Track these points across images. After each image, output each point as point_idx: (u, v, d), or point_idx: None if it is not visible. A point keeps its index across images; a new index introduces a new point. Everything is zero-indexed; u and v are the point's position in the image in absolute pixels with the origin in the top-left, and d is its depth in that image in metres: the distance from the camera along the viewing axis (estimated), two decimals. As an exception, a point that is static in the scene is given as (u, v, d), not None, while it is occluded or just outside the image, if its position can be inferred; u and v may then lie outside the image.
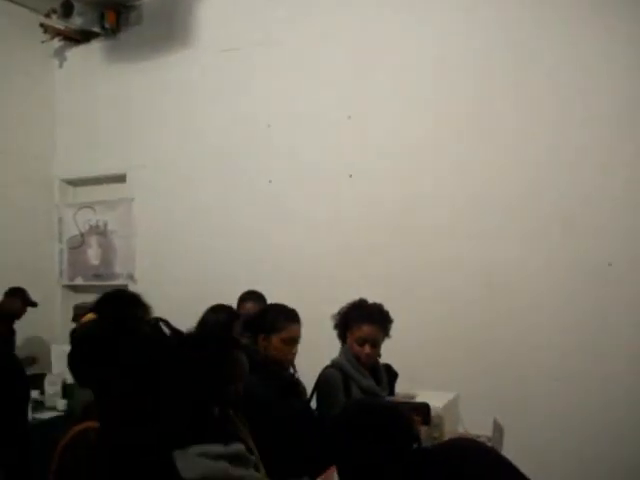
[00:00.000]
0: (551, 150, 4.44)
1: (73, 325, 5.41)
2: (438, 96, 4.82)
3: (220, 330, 3.12)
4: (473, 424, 3.11)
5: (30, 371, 5.07)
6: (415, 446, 1.87)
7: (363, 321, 3.15)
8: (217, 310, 3.40)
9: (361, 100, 5.11)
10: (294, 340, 2.97)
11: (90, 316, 4.89)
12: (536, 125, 4.49)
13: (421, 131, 4.86)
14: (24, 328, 5.58)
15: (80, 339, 2.37)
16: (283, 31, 5.50)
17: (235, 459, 2.02)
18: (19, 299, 5.54)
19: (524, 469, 1.85)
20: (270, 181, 5.48)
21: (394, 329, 3.23)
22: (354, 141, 5.11)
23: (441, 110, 4.80)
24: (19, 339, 5.68)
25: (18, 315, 5.55)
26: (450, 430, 3.00)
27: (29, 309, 5.63)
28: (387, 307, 3.26)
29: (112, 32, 6.43)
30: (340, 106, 5.19)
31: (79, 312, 5.41)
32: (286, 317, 2.99)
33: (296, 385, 3.11)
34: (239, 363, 2.31)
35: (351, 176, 5.09)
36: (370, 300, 3.29)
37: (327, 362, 3.26)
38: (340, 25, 5.23)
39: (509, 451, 2.28)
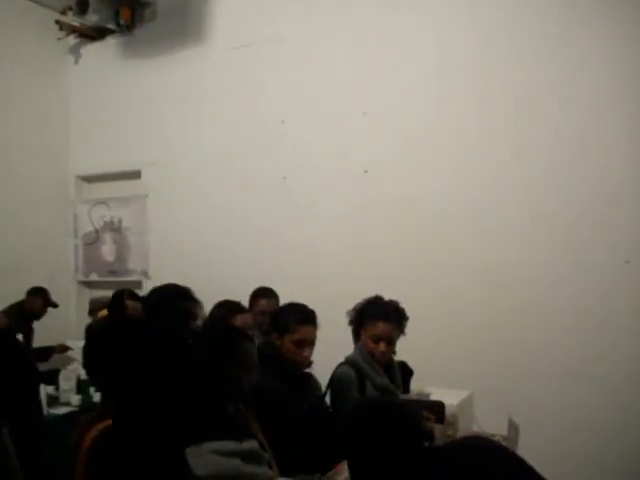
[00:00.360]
0: (560, 147, 4.43)
1: (88, 320, 5.45)
2: (455, 91, 4.80)
3: (224, 324, 3.09)
4: (488, 423, 3.09)
5: (60, 361, 5.14)
6: (427, 444, 1.86)
7: (378, 318, 3.12)
8: (222, 306, 3.40)
9: (377, 96, 5.10)
10: (305, 342, 2.90)
11: (105, 312, 4.94)
12: (545, 123, 4.48)
13: (438, 127, 4.85)
14: (39, 324, 5.59)
15: (95, 334, 2.37)
16: (296, 27, 5.50)
17: (248, 456, 2.02)
18: (41, 299, 5.55)
19: (539, 468, 1.83)
20: (284, 178, 5.47)
21: (409, 326, 3.21)
22: (370, 137, 5.09)
23: (458, 106, 4.78)
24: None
25: (38, 315, 5.56)
26: (464, 428, 2.99)
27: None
28: (402, 304, 3.24)
29: (127, 29, 6.46)
30: (355, 102, 5.17)
31: (95, 307, 5.44)
32: (299, 319, 2.93)
33: (308, 381, 3.09)
34: (247, 354, 2.31)
35: (366, 172, 5.08)
36: (384, 297, 3.28)
37: (341, 359, 3.25)
38: (354, 20, 5.22)
39: (524, 450, 2.27)
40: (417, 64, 4.96)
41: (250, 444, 2.06)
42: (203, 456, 1.92)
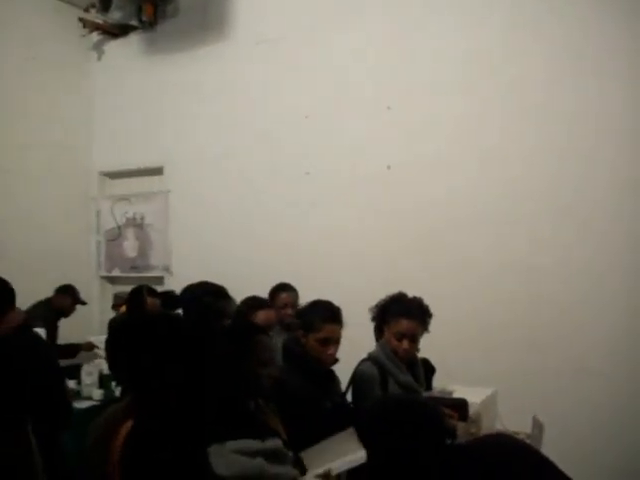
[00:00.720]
0: (578, 143, 4.42)
1: (112, 315, 5.49)
2: (479, 86, 4.77)
3: (241, 320, 3.08)
4: (512, 421, 3.06)
5: (86, 359, 5.17)
6: (450, 442, 1.85)
7: (402, 315, 3.09)
8: (245, 302, 3.40)
9: (401, 90, 5.08)
10: (330, 340, 2.86)
11: (124, 308, 4.97)
12: (582, 116, 4.44)
13: (462, 121, 4.82)
14: (62, 319, 5.64)
15: (114, 329, 2.37)
16: (319, 21, 5.49)
17: (272, 456, 1.99)
18: (69, 297, 5.60)
19: (564, 467, 1.81)
20: (307, 173, 5.46)
21: (433, 323, 3.19)
22: (393, 132, 5.07)
23: (484, 99, 4.75)
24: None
25: (67, 313, 5.61)
26: (488, 426, 2.96)
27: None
28: (426, 301, 3.22)
29: (149, 25, 6.48)
30: (379, 96, 5.15)
31: (117, 302, 5.47)
32: (323, 317, 2.89)
33: (332, 378, 3.08)
34: (263, 348, 2.30)
35: (389, 167, 5.05)
36: (408, 294, 3.26)
37: (363, 355, 3.23)
38: (378, 13, 5.20)
39: (549, 449, 2.24)
40: (442, 59, 4.93)
41: (274, 443, 2.04)
42: (225, 455, 1.90)
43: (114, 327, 3.98)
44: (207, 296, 2.99)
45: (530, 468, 1.76)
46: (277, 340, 3.04)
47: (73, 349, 5.40)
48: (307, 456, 2.24)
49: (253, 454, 1.94)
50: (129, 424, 1.89)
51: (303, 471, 2.16)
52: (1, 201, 5.93)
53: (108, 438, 1.89)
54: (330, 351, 2.86)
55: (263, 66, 5.76)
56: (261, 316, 3.23)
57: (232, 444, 1.93)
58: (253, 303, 3.37)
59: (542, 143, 4.53)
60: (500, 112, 4.68)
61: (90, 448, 1.97)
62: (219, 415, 2.02)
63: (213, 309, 2.90)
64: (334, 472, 2.10)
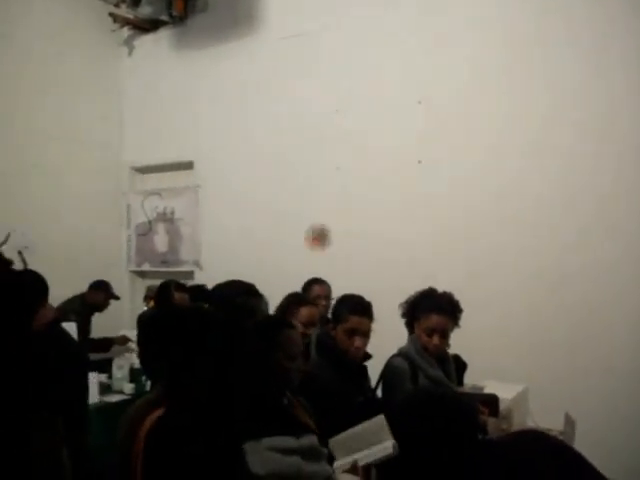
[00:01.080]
0: (632, 141, 4.33)
1: (142, 309, 5.53)
2: (515, 81, 4.72)
3: (275, 315, 3.08)
4: (543, 418, 3.02)
5: (119, 353, 5.22)
6: (480, 437, 1.82)
7: (432, 311, 3.07)
8: (286, 298, 3.39)
9: (432, 84, 5.03)
10: (355, 332, 2.88)
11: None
12: (613, 116, 4.37)
13: (496, 117, 4.77)
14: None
15: (143, 323, 2.38)
16: (349, 14, 5.46)
17: (307, 453, 1.97)
18: (103, 292, 5.66)
19: (596, 465, 1.77)
20: (338, 168, 5.44)
21: (465, 319, 3.16)
22: (424, 126, 5.03)
23: (519, 96, 4.69)
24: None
25: (100, 308, 5.66)
26: (519, 423, 2.94)
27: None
28: (457, 297, 3.18)
29: (179, 20, 6.51)
30: (410, 90, 5.11)
31: (148, 294, 5.52)
32: (350, 309, 2.93)
33: (364, 373, 3.07)
34: (289, 342, 2.29)
35: (420, 162, 5.02)
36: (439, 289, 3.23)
37: (393, 351, 3.21)
38: (409, 5, 5.15)
39: (580, 447, 2.21)
40: (475, 52, 4.88)
41: (309, 439, 2.02)
42: (260, 453, 1.88)
43: (144, 321, 4.00)
44: (238, 296, 2.98)
45: (569, 467, 1.73)
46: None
47: (107, 343, 5.46)
48: (334, 444, 2.23)
49: (289, 452, 1.91)
50: (155, 415, 1.90)
51: (331, 460, 2.15)
52: (32, 196, 6.00)
53: (135, 429, 1.90)
54: (356, 343, 2.86)
55: (293, 60, 5.75)
56: (304, 312, 3.22)
57: (268, 441, 1.91)
58: (295, 299, 3.36)
59: (576, 144, 4.47)
60: (542, 104, 4.60)
61: (120, 440, 1.98)
62: (252, 410, 2.01)
63: (245, 308, 2.90)
64: (361, 463, 2.09)
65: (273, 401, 2.15)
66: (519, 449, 1.78)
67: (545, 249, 4.54)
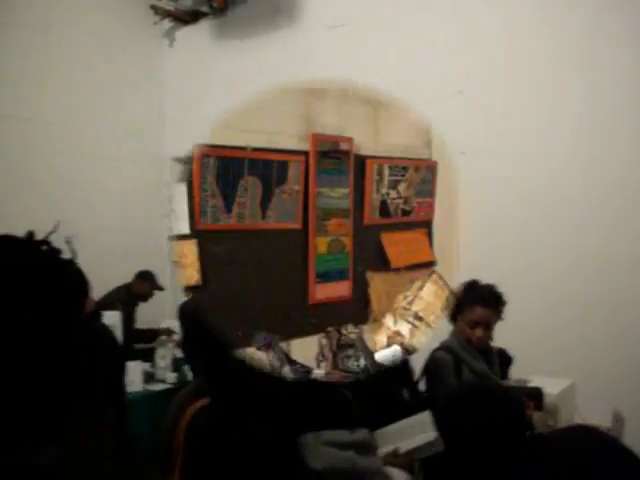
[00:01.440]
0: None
1: (184, 299, 5.55)
2: (559, 71, 4.63)
3: None
4: (591, 414, 2.96)
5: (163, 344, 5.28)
6: (528, 432, 1.81)
7: (475, 303, 3.02)
8: None
9: (474, 74, 4.96)
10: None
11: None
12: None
13: (540, 108, 4.69)
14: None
15: (184, 314, 2.39)
16: (390, 4, 5.40)
17: (361, 447, 1.95)
18: (148, 282, 5.72)
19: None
20: (376, 159, 5.40)
21: (510, 311, 3.10)
22: (466, 117, 4.95)
23: (562, 87, 4.60)
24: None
25: (145, 298, 5.73)
26: (566, 419, 2.89)
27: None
28: (502, 290, 3.13)
29: (220, 11, 6.50)
30: (451, 80, 5.05)
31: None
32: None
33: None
34: None
35: (463, 153, 4.95)
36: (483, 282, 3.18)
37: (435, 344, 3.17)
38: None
39: (629, 445, 2.16)
40: (515, 40, 4.80)
41: (362, 433, 1.99)
42: (317, 447, 1.86)
43: (183, 311, 4.02)
44: None
45: (620, 464, 1.69)
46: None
47: (151, 334, 5.51)
48: (379, 436, 2.22)
49: (345, 446, 1.89)
50: (196, 406, 1.90)
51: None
52: (76, 187, 6.08)
53: (176, 421, 1.91)
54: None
55: (332, 50, 5.70)
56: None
57: (323, 435, 1.89)
58: None
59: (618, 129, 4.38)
60: (585, 93, 4.51)
61: (162, 434, 1.99)
62: (308, 401, 2.00)
63: None
64: (402, 450, 2.08)
65: (331, 393, 2.14)
66: (569, 445, 1.75)
67: (592, 239, 4.46)
